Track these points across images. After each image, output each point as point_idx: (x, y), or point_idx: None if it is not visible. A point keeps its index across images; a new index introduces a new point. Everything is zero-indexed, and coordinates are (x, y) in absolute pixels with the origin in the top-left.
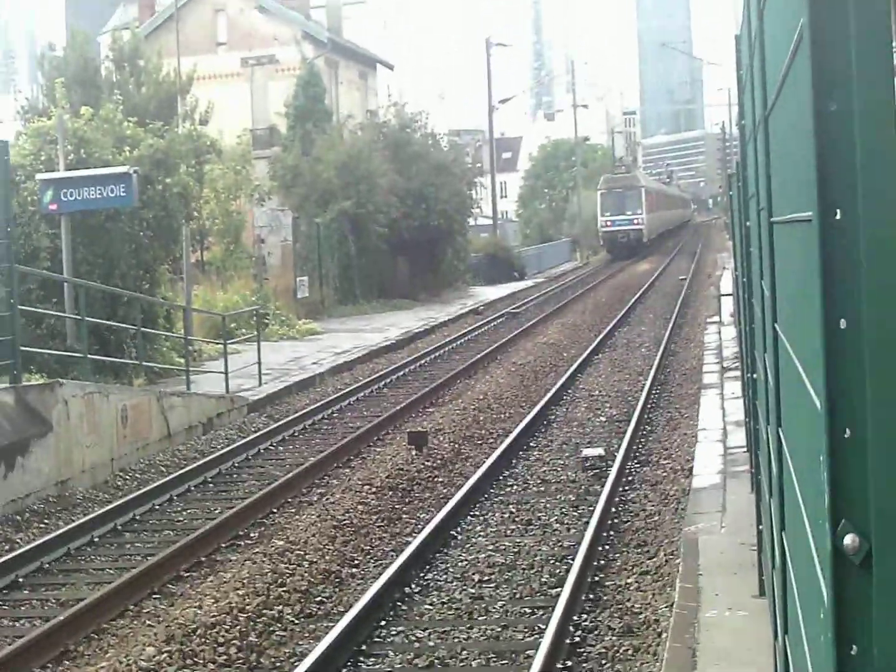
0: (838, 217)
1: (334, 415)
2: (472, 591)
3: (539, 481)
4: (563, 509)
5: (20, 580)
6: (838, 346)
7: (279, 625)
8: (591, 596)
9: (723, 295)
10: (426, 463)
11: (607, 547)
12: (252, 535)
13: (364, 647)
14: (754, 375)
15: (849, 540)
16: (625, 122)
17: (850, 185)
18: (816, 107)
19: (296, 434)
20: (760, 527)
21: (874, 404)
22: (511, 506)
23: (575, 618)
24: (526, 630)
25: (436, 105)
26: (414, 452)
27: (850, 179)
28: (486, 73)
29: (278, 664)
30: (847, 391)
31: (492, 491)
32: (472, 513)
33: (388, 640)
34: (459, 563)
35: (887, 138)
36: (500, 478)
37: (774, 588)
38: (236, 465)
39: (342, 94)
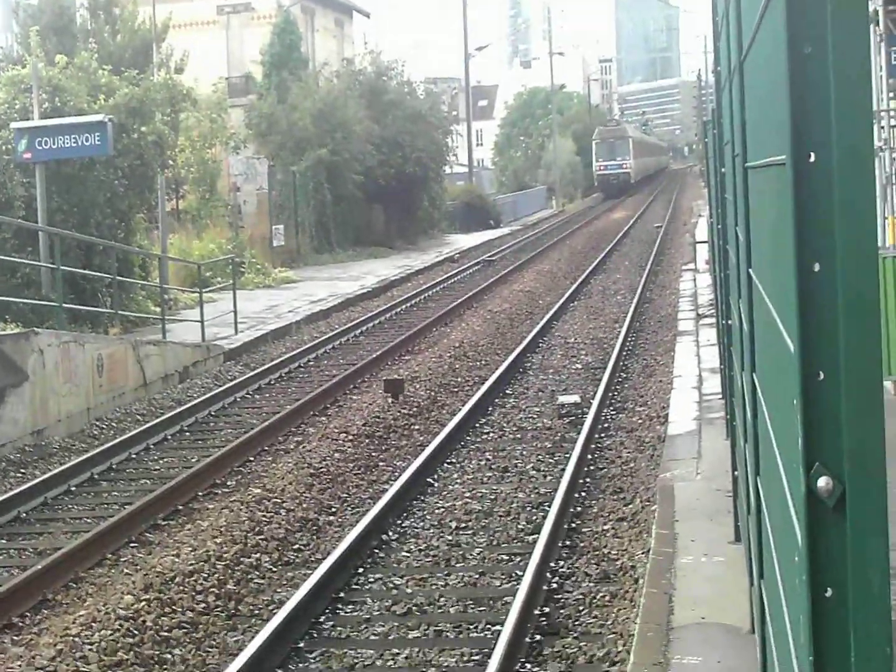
0: (812, 160)
1: (310, 363)
2: (450, 538)
3: (515, 429)
4: (540, 456)
5: None
6: (811, 289)
7: (257, 573)
8: (568, 543)
9: (698, 242)
10: (402, 411)
11: (584, 494)
12: (229, 483)
13: (342, 595)
14: (729, 322)
15: (822, 483)
16: (601, 70)
17: (824, 127)
18: (791, 50)
19: (272, 382)
20: (736, 473)
21: (847, 347)
22: (487, 453)
23: (552, 564)
24: (503, 577)
25: (412, 53)
26: (390, 400)
27: (825, 122)
28: (463, 20)
29: (256, 612)
30: (820, 334)
31: (468, 438)
32: (448, 460)
33: (366, 587)
34: (436, 511)
35: (861, 80)
36: (477, 425)
37: (750, 534)
38: (213, 413)
39: (318, 42)
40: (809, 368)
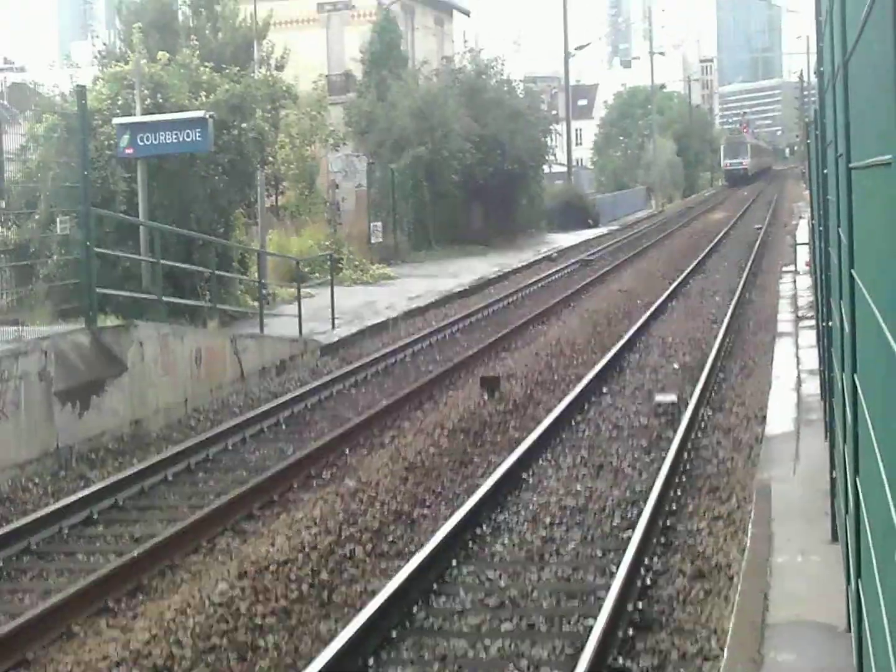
0: None
1: (407, 359)
2: (544, 532)
3: (611, 426)
4: (635, 454)
5: (95, 516)
6: None
7: (350, 563)
8: (663, 540)
9: (799, 244)
10: (498, 407)
11: (679, 492)
12: (324, 475)
13: (436, 586)
14: (830, 323)
15: None
16: (701, 70)
17: None
18: None
19: (368, 377)
20: (834, 473)
21: None
22: (583, 450)
23: (646, 561)
24: (597, 572)
25: (511, 51)
26: (486, 396)
27: None
28: (563, 19)
29: (350, 601)
30: None
31: (563, 435)
32: (543, 456)
33: (460, 579)
34: (531, 506)
35: None
36: (573, 423)
37: (847, 533)
38: (309, 406)
39: (418, 41)
40: None
